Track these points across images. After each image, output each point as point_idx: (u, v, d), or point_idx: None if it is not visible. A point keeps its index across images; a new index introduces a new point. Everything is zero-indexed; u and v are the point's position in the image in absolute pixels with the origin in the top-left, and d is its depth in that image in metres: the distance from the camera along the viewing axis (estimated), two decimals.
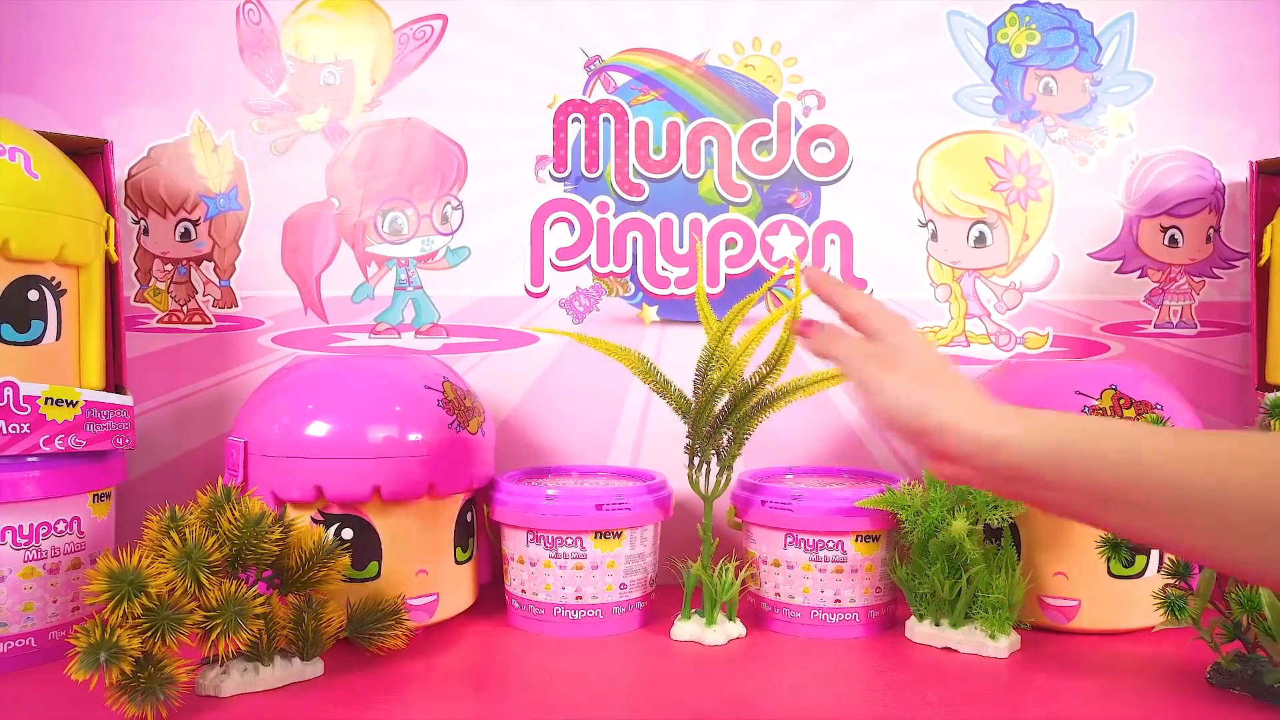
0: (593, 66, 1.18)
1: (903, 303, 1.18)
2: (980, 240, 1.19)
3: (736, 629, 0.96)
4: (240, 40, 1.17)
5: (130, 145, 1.15)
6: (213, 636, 0.74)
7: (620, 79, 1.18)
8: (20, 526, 0.86)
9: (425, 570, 0.94)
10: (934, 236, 1.19)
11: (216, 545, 0.76)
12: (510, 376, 1.18)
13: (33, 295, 0.89)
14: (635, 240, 1.18)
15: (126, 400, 0.96)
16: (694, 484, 0.98)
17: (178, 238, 1.17)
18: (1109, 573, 0.95)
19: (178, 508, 0.79)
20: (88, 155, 1.02)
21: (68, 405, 0.89)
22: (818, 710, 0.78)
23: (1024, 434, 0.55)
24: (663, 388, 0.98)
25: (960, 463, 0.57)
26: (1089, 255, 1.19)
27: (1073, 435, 0.55)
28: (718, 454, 0.98)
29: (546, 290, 1.18)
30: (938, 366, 0.61)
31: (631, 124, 1.18)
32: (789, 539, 0.97)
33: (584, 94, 1.18)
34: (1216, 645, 0.82)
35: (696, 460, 0.98)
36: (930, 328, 1.19)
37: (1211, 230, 1.19)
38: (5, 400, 0.85)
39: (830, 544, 0.95)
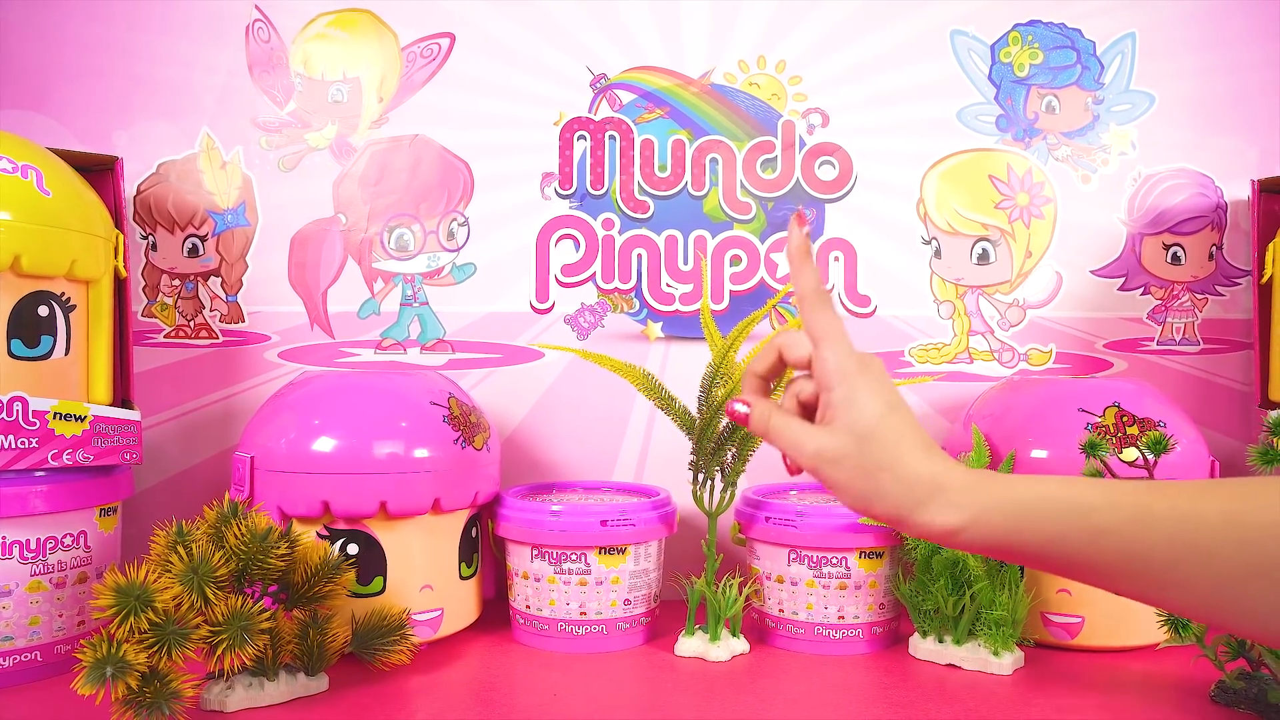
0: (599, 84, 1.19)
1: (906, 320, 1.19)
2: (983, 257, 1.19)
3: (740, 645, 0.96)
4: (249, 58, 1.18)
5: (139, 161, 1.16)
6: (218, 651, 0.74)
7: (626, 97, 1.19)
8: (27, 540, 0.87)
9: (430, 586, 0.94)
10: (937, 254, 1.19)
11: (223, 560, 0.77)
12: (515, 392, 1.18)
13: (43, 311, 0.90)
14: (640, 257, 1.19)
15: (134, 415, 0.96)
16: (698, 500, 0.98)
17: (185, 253, 1.18)
18: None
19: (185, 523, 0.79)
20: (98, 171, 1.03)
21: (76, 420, 0.90)
22: None
23: (971, 522, 0.53)
24: (667, 404, 0.98)
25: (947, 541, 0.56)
26: (1092, 272, 1.20)
27: (1023, 521, 0.53)
28: (722, 470, 0.98)
29: (552, 306, 1.19)
30: (883, 446, 0.56)
31: (637, 141, 1.18)
32: (793, 555, 0.97)
33: (590, 112, 1.19)
34: (1221, 663, 0.82)
35: (701, 476, 0.98)
36: (934, 344, 1.19)
37: (1214, 248, 1.19)
38: (14, 415, 0.86)
39: (834, 560, 0.96)
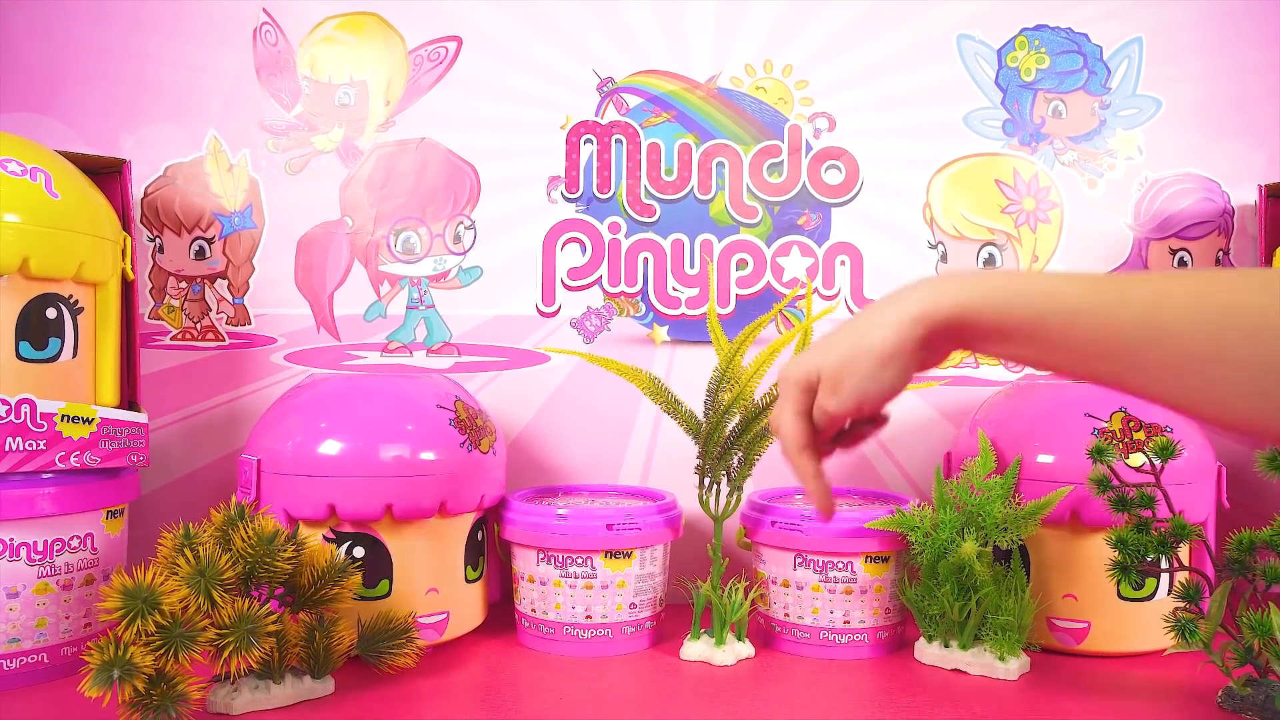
0: (605, 88, 1.19)
1: None
2: (990, 262, 1.19)
3: (746, 649, 0.96)
4: (256, 61, 1.18)
5: (147, 164, 1.16)
6: (225, 654, 0.74)
7: (632, 101, 1.19)
8: (35, 543, 0.87)
9: (436, 589, 0.94)
10: (944, 258, 1.19)
11: (230, 563, 0.77)
12: (521, 396, 1.18)
13: (51, 313, 0.90)
14: (646, 261, 1.19)
15: (141, 418, 0.96)
16: (704, 504, 0.98)
17: (192, 256, 1.18)
18: (1119, 595, 0.95)
19: (191, 525, 0.79)
20: (106, 174, 1.03)
21: (83, 422, 0.90)
22: None
23: (949, 292, 0.54)
24: (673, 408, 0.98)
25: (943, 340, 0.56)
26: None
27: (1003, 296, 0.53)
28: (728, 474, 0.98)
29: (558, 310, 1.19)
30: (847, 322, 0.60)
31: (643, 145, 1.19)
32: (798, 559, 0.97)
33: (596, 115, 1.19)
34: (1228, 669, 0.82)
35: (707, 480, 0.98)
36: None
37: (1221, 253, 1.19)
38: (22, 417, 0.86)
39: (839, 565, 0.96)
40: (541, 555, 0.96)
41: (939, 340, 0.55)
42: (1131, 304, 0.50)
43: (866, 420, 0.64)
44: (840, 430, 0.63)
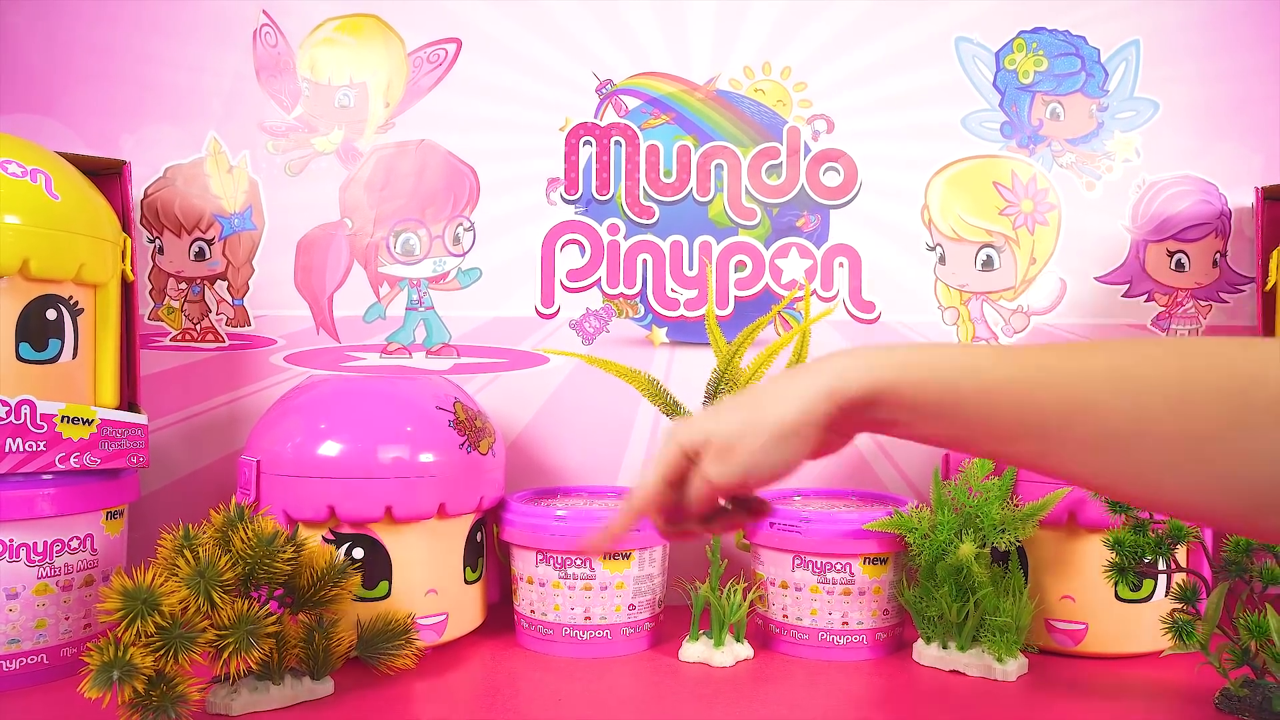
0: (604, 90, 1.19)
1: (911, 326, 1.19)
2: (988, 264, 1.19)
3: (744, 650, 0.96)
4: (256, 62, 1.18)
5: (147, 165, 1.17)
6: (224, 655, 0.74)
7: (631, 103, 1.19)
8: (34, 544, 0.87)
9: (435, 590, 0.94)
10: (942, 260, 1.20)
11: (229, 564, 0.77)
12: (520, 397, 1.19)
13: (51, 314, 0.90)
14: (645, 262, 1.19)
15: (141, 419, 0.96)
16: None
17: (192, 257, 1.18)
18: (1116, 596, 0.95)
19: (191, 526, 0.79)
20: (106, 175, 1.03)
21: (83, 424, 0.90)
22: None
23: (865, 369, 0.51)
24: (672, 409, 0.98)
25: (852, 419, 0.52)
26: (1096, 279, 1.20)
27: (916, 374, 0.50)
28: None
29: (557, 311, 1.19)
30: (750, 390, 0.57)
31: (642, 147, 1.19)
32: (797, 561, 0.97)
33: (595, 117, 1.19)
34: (1225, 670, 0.82)
35: None
36: None
37: (1218, 255, 1.19)
38: (22, 418, 0.86)
39: (838, 566, 0.96)
40: (540, 556, 0.97)
41: (847, 419, 0.52)
42: (1051, 379, 0.48)
43: (746, 505, 0.61)
44: (715, 510, 0.59)
